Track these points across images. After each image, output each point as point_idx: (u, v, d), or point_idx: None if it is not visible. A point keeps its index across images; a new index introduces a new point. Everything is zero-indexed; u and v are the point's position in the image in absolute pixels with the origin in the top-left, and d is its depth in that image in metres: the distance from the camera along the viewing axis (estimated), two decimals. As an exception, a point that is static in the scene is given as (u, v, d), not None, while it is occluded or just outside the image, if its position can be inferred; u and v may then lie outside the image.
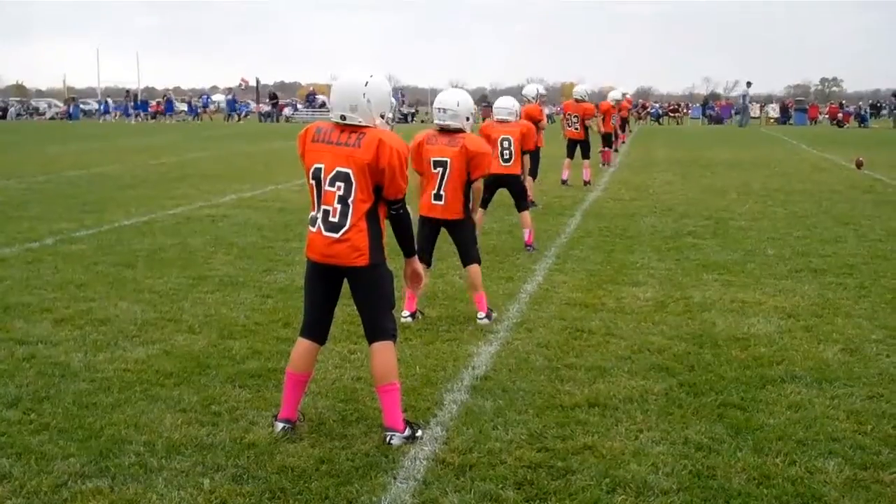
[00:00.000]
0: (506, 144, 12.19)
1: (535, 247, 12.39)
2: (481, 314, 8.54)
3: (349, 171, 5.49)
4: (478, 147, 8.55)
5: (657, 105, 79.77)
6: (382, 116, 5.63)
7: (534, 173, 16.92)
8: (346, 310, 8.46)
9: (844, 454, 5.46)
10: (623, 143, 36.15)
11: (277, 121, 71.37)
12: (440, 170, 8.49)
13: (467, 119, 8.57)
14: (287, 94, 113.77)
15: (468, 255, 8.69)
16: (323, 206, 5.56)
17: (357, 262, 5.55)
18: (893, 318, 8.78)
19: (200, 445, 5.54)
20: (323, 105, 75.07)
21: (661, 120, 71.90)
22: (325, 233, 5.55)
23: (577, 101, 21.17)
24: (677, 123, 70.02)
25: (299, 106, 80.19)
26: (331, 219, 5.54)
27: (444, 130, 8.58)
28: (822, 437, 5.73)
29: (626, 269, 11.13)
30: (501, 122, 12.43)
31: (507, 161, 12.17)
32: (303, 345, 5.76)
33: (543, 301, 9.37)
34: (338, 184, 5.52)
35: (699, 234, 13.86)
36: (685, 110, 79.07)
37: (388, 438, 5.57)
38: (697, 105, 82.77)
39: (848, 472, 5.22)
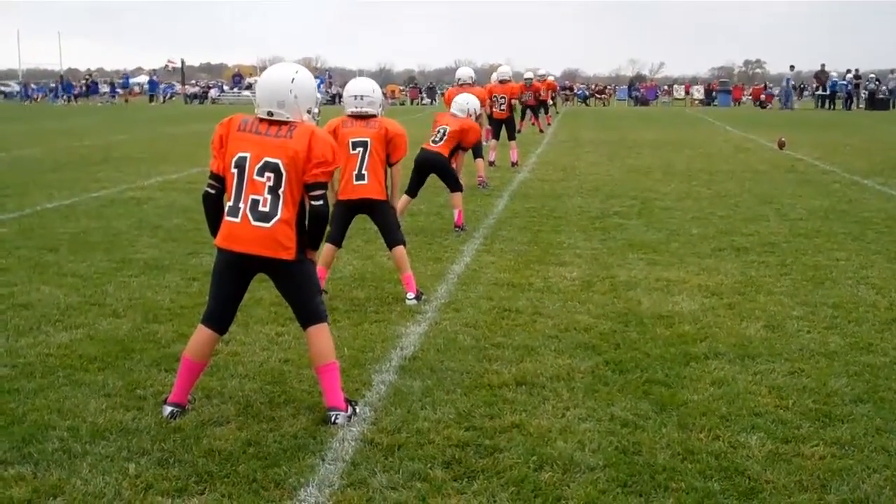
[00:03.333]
0: (441, 132, 12.44)
1: (464, 228, 12.42)
2: (410, 295, 8.55)
3: (279, 161, 5.48)
4: (397, 129, 8.60)
5: (584, 87, 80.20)
6: (309, 112, 5.66)
7: (479, 153, 16.96)
8: (273, 291, 8.44)
9: (766, 429, 5.56)
10: (549, 125, 36.36)
11: (203, 102, 70.52)
12: (360, 150, 8.48)
13: (380, 107, 8.67)
14: (213, 75, 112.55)
15: (393, 237, 8.70)
16: (251, 196, 5.51)
17: (282, 256, 5.53)
18: (814, 295, 8.94)
19: (125, 430, 5.47)
20: (250, 87, 74.44)
21: (588, 101, 72.31)
22: (253, 222, 5.50)
23: (501, 82, 21.22)
24: (604, 105, 70.45)
25: (225, 87, 79.43)
26: (261, 208, 5.50)
27: (359, 117, 8.60)
28: (745, 412, 5.83)
29: (552, 249, 11.20)
30: (453, 115, 12.86)
31: (436, 142, 12.35)
32: (204, 333, 5.70)
33: (471, 281, 9.40)
34: (267, 174, 5.49)
35: (625, 215, 13.98)
36: (612, 92, 79.61)
37: (332, 418, 5.55)
38: (624, 87, 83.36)
39: (770, 446, 5.31)
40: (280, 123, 5.58)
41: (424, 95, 76.30)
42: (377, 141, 8.50)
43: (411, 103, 74.33)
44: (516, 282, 9.39)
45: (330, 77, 77.32)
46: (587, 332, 7.58)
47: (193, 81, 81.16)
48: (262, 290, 8.44)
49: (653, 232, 12.44)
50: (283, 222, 5.51)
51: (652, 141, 29.82)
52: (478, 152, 16.84)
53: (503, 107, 20.83)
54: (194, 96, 72.67)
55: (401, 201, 10.91)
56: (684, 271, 9.96)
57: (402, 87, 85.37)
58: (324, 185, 5.58)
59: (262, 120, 5.61)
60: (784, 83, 62.86)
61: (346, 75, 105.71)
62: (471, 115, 12.98)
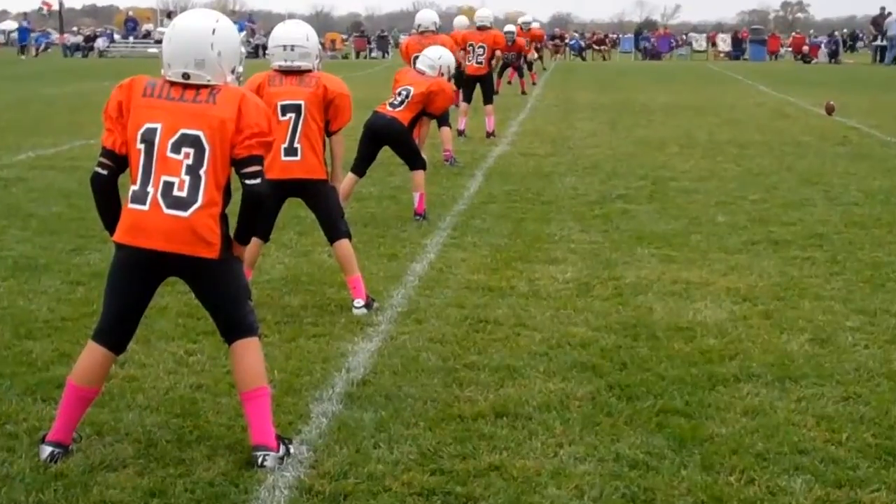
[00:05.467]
0: (404, 94, 12.41)
1: (425, 216, 12.44)
2: (358, 302, 8.56)
3: (200, 133, 5.47)
4: (339, 87, 8.60)
5: (578, 36, 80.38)
6: (233, 71, 5.67)
7: (446, 121, 16.88)
8: (180, 298, 8.44)
9: (814, 469, 5.59)
10: (534, 83, 36.46)
11: (87, 56, 70.07)
12: (291, 116, 8.48)
13: (316, 58, 8.68)
14: (100, 21, 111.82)
15: (335, 227, 8.68)
16: (164, 177, 5.49)
17: (204, 253, 5.51)
18: (872, 300, 9.00)
19: (-8, 477, 5.44)
20: (147, 35, 74.03)
21: (583, 54, 72.47)
22: (165, 210, 5.47)
23: (481, 28, 21.24)
24: (604, 59, 70.59)
25: (116, 36, 78.87)
26: (176, 193, 5.48)
27: (290, 72, 8.61)
28: (787, 448, 5.86)
29: (540, 242, 11.24)
30: (419, 72, 12.90)
31: (395, 106, 12.32)
32: (96, 353, 5.66)
33: (437, 284, 9.42)
34: (185, 150, 5.48)
35: (632, 199, 14.03)
36: (613, 43, 79.78)
37: (259, 460, 5.55)
38: (629, 35, 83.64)
39: (819, 492, 5.34)
40: (198, 87, 5.57)
41: (374, 47, 76.21)
42: (313, 103, 8.49)
43: (357, 56, 74.19)
44: (494, 285, 9.40)
45: (252, 23, 77.02)
46: (585, 349, 7.60)
47: (75, 28, 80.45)
48: (167, 296, 8.41)
49: (667, 220, 12.51)
50: (204, 210, 5.49)
51: (665, 105, 29.97)
52: (444, 120, 16.68)
53: (481, 59, 20.80)
54: (76, 47, 72.06)
55: (345, 182, 10.87)
56: (708, 270, 10.02)
57: (344, 37, 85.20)
58: (259, 160, 5.57)
59: (173, 84, 5.60)
60: (891, 28, 58.01)
61: (271, 20, 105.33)
62: (443, 75, 13.00)
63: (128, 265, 5.61)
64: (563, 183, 15.40)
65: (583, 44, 74.80)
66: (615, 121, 25.05)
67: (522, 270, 9.98)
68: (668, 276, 9.77)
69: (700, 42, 77.60)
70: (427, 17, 18.12)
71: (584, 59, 71.06)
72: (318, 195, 8.65)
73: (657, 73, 51.20)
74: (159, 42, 62.39)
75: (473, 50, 20.80)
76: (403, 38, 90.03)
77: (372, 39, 78.48)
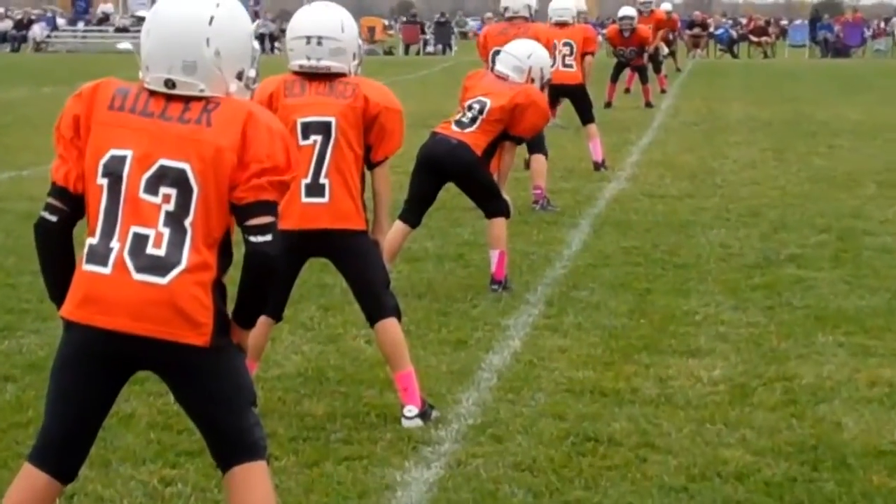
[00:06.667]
0: (476, 108, 12.42)
1: (507, 284, 12.47)
2: (410, 410, 8.57)
3: (186, 166, 5.41)
4: (385, 99, 8.60)
5: (728, 23, 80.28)
6: (240, 77, 5.63)
7: (540, 147, 16.96)
8: (153, 403, 8.50)
9: None
10: (663, 91, 36.38)
11: (18, 49, 70.87)
12: (316, 139, 8.49)
13: (354, 57, 8.70)
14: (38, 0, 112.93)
15: (377, 301, 8.66)
16: (133, 228, 5.43)
17: (188, 338, 5.44)
18: None
19: None
20: (106, 20, 74.71)
21: (735, 49, 72.39)
22: (135, 275, 5.40)
23: (558, 24, 21.09)
24: (765, 55, 70.42)
25: (60, 21, 79.56)
26: (150, 250, 5.42)
27: (315, 77, 8.65)
28: None
29: (674, 324, 11.22)
30: (499, 77, 12.84)
31: (464, 126, 12.34)
32: (35, 481, 5.61)
33: (524, 385, 9.41)
34: (164, 189, 5.42)
35: (808, 261, 13.98)
36: (779, 33, 79.57)
37: None
38: (801, 22, 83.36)
39: None
40: (188, 100, 5.53)
41: (430, 38, 76.43)
42: (349, 122, 8.49)
43: (406, 51, 74.57)
44: (608, 386, 9.38)
45: (255, 2, 77.54)
46: (742, 482, 7.57)
47: (2, 10, 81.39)
48: (134, 399, 8.51)
49: (861, 294, 12.46)
50: (190, 276, 5.43)
51: (856, 124, 29.82)
52: (537, 145, 16.79)
53: (570, 61, 20.73)
54: (2, 38, 72.87)
55: (392, 234, 10.83)
56: (922, 368, 9.95)
57: (388, 23, 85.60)
58: (271, 208, 5.49)
59: (153, 93, 5.55)
60: None
61: (285, 1, 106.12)
62: (534, 80, 12.97)
63: (80, 354, 5.55)
64: (707, 237, 15.36)
65: (734, 34, 74.71)
66: (782, 146, 24.97)
67: (649, 365, 9.95)
68: (864, 376, 9.71)
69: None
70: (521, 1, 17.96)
71: (735, 55, 70.94)
72: (352, 253, 8.65)
73: (843, 76, 51.01)
74: (122, 31, 61.85)
75: (556, 48, 20.55)
76: (473, 26, 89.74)
77: (427, 27, 78.56)
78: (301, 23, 8.73)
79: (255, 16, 70.81)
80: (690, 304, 12.05)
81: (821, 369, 9.88)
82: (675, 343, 10.64)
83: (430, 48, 75.00)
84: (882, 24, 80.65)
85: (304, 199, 8.47)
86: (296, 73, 8.68)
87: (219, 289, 5.54)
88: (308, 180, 8.47)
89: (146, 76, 5.54)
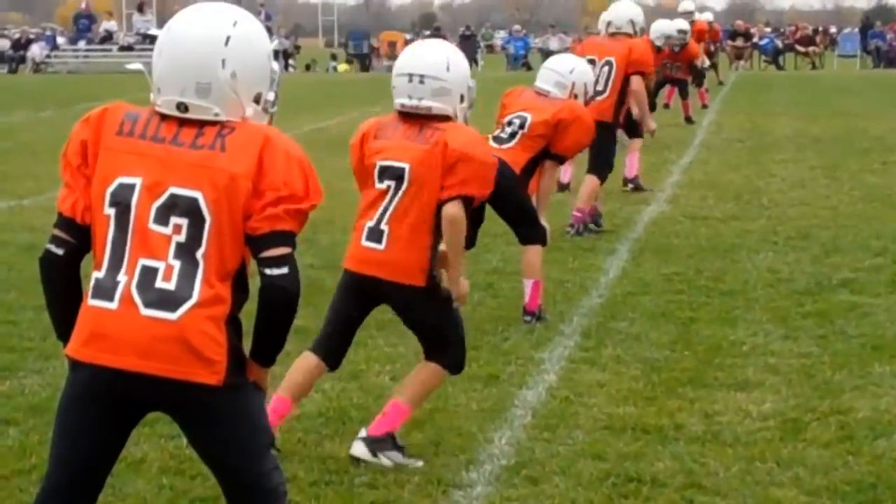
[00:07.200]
0: (517, 123, 12.51)
1: (541, 315, 12.35)
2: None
3: (199, 195, 5.33)
4: (465, 145, 8.34)
5: (773, 33, 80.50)
6: (258, 100, 5.54)
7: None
8: (165, 446, 8.45)
9: None
10: (705, 106, 36.37)
11: (16, 70, 71.49)
12: (389, 185, 8.35)
13: (462, 100, 8.53)
14: (35, 18, 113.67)
15: (443, 356, 8.52)
16: (142, 260, 5.36)
17: (200, 377, 5.33)
18: None
19: None
20: (109, 38, 75.07)
21: (781, 60, 72.73)
22: (143, 310, 5.32)
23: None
24: (813, 66, 71.13)
25: (61, 40, 80.00)
26: (160, 284, 5.34)
27: (414, 116, 8.48)
28: None
29: (721, 356, 11.07)
30: (540, 93, 12.96)
31: (503, 142, 12.40)
32: None
33: (560, 423, 9.29)
34: (175, 220, 5.35)
35: (863, 286, 13.87)
36: (827, 42, 79.85)
37: None
38: (852, 30, 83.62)
39: None
40: (202, 124, 5.43)
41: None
42: (426, 169, 8.30)
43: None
44: (650, 423, 9.26)
45: (267, 18, 77.43)
46: (797, 527, 7.53)
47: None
48: (145, 442, 8.41)
49: (921, 322, 12.39)
50: (202, 311, 5.35)
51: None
52: (600, 166, 16.74)
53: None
54: (0, 58, 73.37)
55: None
56: None
57: (409, 37, 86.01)
58: (288, 239, 5.41)
59: (165, 117, 5.47)
60: None
61: (295, 13, 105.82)
62: (576, 96, 12.96)
63: (86, 395, 5.50)
64: (753, 262, 15.26)
65: (780, 44, 75.09)
66: (833, 164, 24.97)
67: (694, 400, 9.82)
68: (926, 410, 9.67)
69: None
70: (622, 13, 17.64)
71: (781, 66, 71.40)
72: (412, 308, 8.53)
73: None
74: (127, 49, 63.25)
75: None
76: (500, 39, 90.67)
77: (451, 40, 79.16)
78: (405, 59, 8.73)
79: (268, 32, 71.04)
80: (737, 333, 11.89)
81: (878, 402, 9.76)
82: (722, 376, 10.49)
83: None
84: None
85: (363, 243, 8.43)
86: (398, 112, 8.58)
87: (233, 324, 5.46)
88: (371, 223, 8.41)
89: (157, 98, 5.52)
